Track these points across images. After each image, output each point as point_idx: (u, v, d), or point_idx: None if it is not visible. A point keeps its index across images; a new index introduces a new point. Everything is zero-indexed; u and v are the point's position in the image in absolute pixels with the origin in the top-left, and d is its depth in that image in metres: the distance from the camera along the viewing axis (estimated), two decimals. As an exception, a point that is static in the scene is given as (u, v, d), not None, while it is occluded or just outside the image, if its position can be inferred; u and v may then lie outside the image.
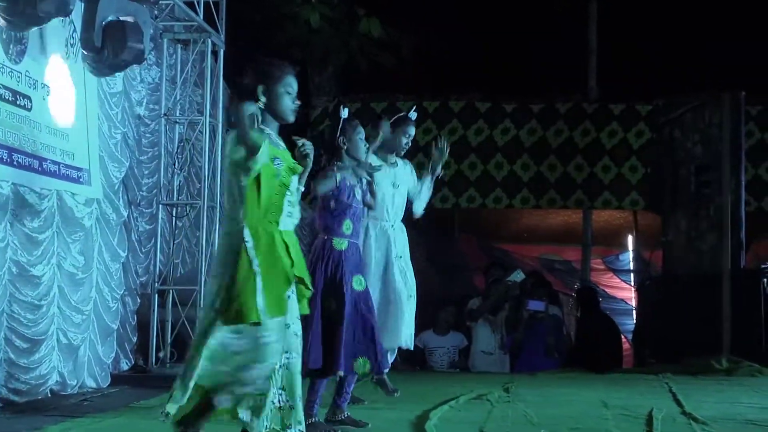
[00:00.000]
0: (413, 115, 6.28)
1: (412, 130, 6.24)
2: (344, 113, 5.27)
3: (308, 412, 4.75)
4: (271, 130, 4.04)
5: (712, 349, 8.75)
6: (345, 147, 5.20)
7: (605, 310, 10.87)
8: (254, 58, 4.11)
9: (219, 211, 8.51)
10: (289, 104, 4.04)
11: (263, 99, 3.99)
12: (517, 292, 9.85)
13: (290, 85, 4.05)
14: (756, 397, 6.60)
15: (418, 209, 6.39)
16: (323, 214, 5.13)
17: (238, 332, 3.81)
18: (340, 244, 5.08)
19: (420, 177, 6.34)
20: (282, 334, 3.87)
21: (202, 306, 3.96)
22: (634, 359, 10.73)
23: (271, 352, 3.83)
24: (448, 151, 6.29)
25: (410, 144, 6.25)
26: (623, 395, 6.63)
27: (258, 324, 3.79)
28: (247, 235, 3.83)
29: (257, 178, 3.86)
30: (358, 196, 5.19)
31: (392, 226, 6.13)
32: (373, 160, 5.87)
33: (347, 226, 5.11)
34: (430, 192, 6.38)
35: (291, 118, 4.09)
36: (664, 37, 12.34)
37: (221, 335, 3.80)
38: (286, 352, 3.91)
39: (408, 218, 6.35)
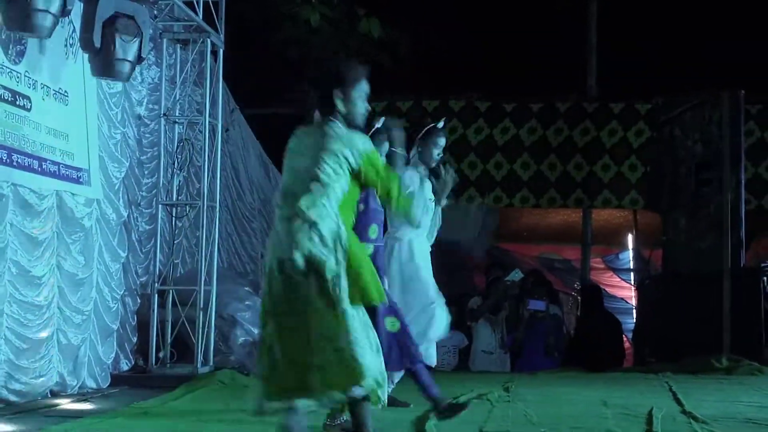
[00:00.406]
0: (441, 124, 6.23)
1: (443, 141, 6.14)
2: (379, 123, 5.31)
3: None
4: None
5: (712, 347, 8.74)
6: None
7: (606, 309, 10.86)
8: (328, 60, 4.18)
9: (219, 210, 8.52)
10: (361, 109, 4.10)
11: (339, 102, 4.02)
12: (516, 291, 9.84)
13: (364, 89, 4.10)
14: (756, 396, 6.60)
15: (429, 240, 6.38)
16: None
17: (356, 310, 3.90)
18: (366, 249, 5.11)
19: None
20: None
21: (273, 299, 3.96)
22: (634, 358, 10.73)
23: None
24: (454, 181, 6.25)
25: (441, 154, 6.15)
26: (623, 394, 6.63)
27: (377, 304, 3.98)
28: (343, 223, 3.95)
29: (356, 181, 4.01)
30: (379, 199, 5.21)
31: (427, 238, 6.13)
32: (410, 172, 5.86)
33: (373, 230, 5.12)
34: (438, 224, 6.31)
35: (361, 123, 4.16)
36: (664, 36, 12.35)
37: (353, 313, 3.86)
38: None
39: None
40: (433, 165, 6.16)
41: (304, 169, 3.98)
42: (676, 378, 7.75)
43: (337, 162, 3.94)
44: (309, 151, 3.99)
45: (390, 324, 5.02)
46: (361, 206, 5.08)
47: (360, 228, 5.05)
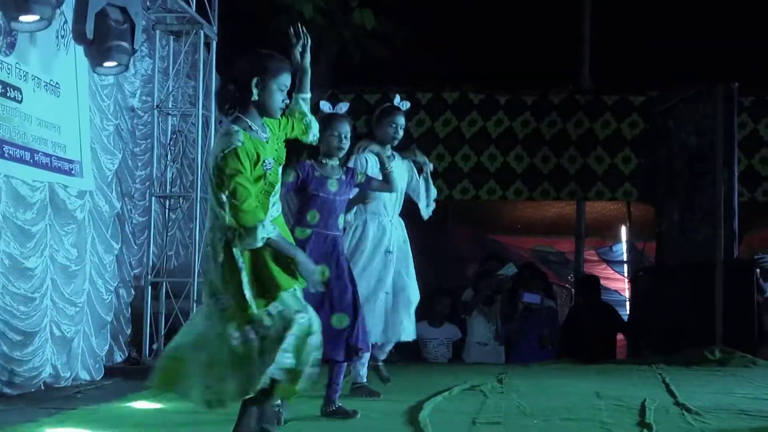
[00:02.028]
0: (404, 104, 6.16)
1: (400, 120, 6.06)
2: (325, 107, 5.32)
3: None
4: (256, 123, 4.04)
5: (705, 339, 8.77)
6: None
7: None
8: (254, 49, 4.14)
9: (212, 203, 8.50)
10: (279, 102, 4.07)
11: (255, 91, 3.98)
12: (509, 285, 9.85)
13: (284, 82, 4.07)
14: (749, 388, 6.62)
15: (425, 212, 6.37)
16: (297, 203, 5.29)
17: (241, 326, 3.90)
18: (302, 233, 5.14)
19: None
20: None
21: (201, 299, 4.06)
22: (628, 350, 10.75)
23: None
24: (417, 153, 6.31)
25: (400, 134, 6.08)
26: (616, 386, 6.64)
27: (250, 316, 3.87)
28: (231, 233, 3.89)
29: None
30: (331, 187, 5.19)
31: (390, 221, 6.11)
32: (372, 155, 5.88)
33: (312, 215, 5.15)
34: (433, 192, 6.34)
35: (278, 116, 4.15)
36: (658, 28, 12.34)
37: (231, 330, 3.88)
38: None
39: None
40: (393, 144, 6.10)
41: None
42: (669, 370, 7.76)
43: (219, 177, 3.87)
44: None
45: (336, 320, 5.08)
46: (300, 193, 5.19)
47: (299, 213, 5.21)
